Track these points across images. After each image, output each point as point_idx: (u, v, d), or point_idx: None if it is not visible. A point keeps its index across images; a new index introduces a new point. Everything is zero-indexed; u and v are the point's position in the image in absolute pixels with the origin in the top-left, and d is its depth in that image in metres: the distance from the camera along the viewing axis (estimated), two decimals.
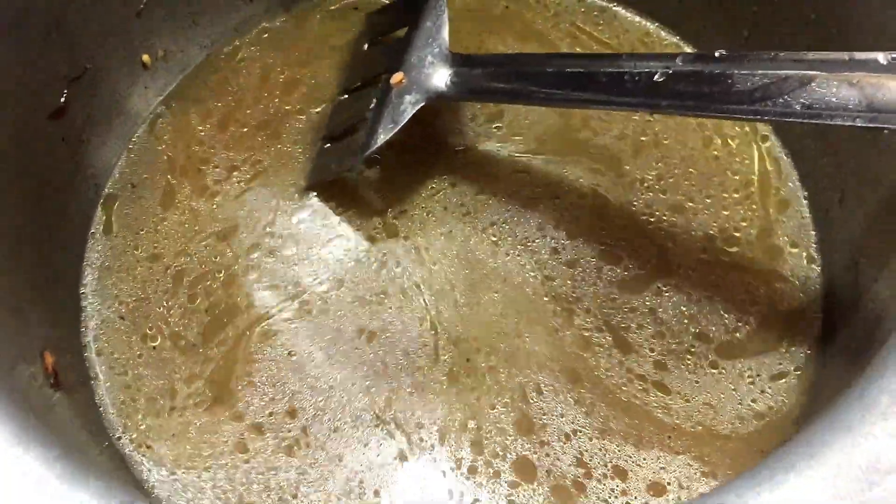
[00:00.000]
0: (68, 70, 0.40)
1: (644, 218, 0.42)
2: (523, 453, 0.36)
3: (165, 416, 0.38)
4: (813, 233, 0.41)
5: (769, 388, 0.38)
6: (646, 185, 0.42)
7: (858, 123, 0.29)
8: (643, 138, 0.43)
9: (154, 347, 0.39)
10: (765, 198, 0.42)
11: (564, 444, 0.36)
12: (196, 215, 0.42)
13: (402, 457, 0.37)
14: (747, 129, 0.44)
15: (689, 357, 0.38)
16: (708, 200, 0.42)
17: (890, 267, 0.34)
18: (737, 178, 0.43)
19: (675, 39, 0.47)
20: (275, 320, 0.40)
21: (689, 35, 0.46)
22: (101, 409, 0.38)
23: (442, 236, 0.42)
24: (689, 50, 0.46)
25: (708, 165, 0.43)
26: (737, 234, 0.41)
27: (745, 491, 0.23)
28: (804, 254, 0.41)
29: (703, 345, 0.39)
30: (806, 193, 0.42)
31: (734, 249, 0.41)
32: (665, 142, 0.43)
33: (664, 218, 0.42)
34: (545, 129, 0.44)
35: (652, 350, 0.39)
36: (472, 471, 0.36)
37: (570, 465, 0.36)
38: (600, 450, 0.36)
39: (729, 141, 0.43)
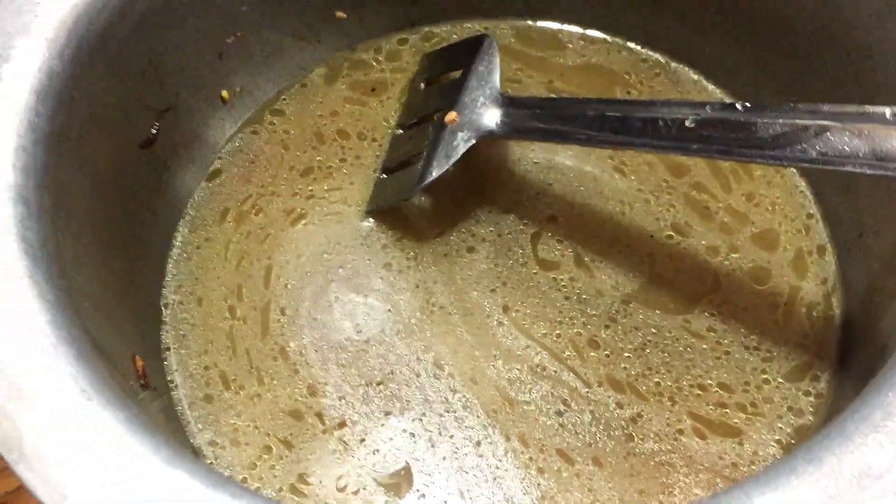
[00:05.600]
0: (158, 103, 0.44)
1: (674, 253, 0.45)
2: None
3: (236, 418, 0.42)
4: (834, 267, 0.44)
5: (792, 410, 0.41)
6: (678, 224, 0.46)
7: (867, 171, 0.32)
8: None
9: (232, 357, 0.43)
10: (792, 234, 0.46)
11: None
12: (267, 237, 0.47)
13: None
14: (773, 171, 0.47)
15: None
16: (740, 235, 0.46)
17: None
18: (767, 215, 0.46)
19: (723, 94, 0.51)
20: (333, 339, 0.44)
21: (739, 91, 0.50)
22: (178, 408, 0.42)
23: (480, 265, 0.46)
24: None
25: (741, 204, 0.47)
26: (765, 265, 0.45)
27: (751, 490, 0.26)
28: (827, 286, 0.44)
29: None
30: (829, 231, 0.45)
31: (762, 279, 0.44)
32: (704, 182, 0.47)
33: (698, 250, 0.45)
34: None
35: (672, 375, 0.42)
36: None
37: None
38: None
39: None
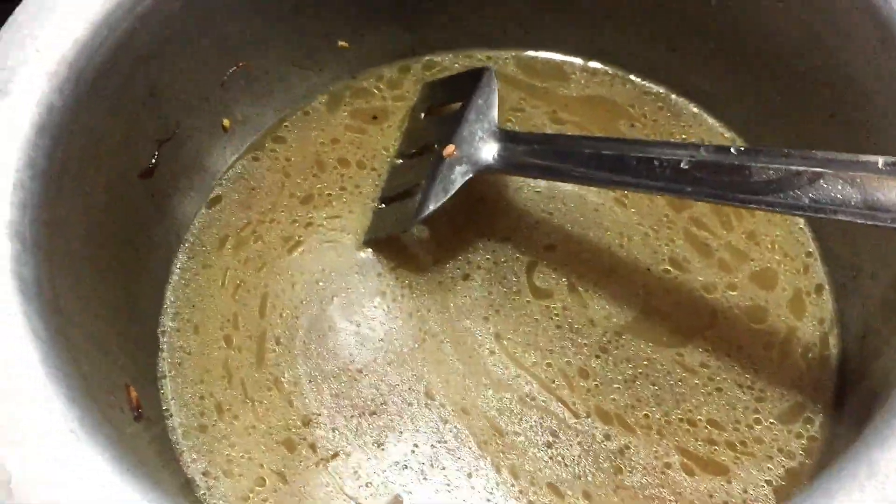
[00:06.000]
0: (159, 134, 0.45)
1: (671, 287, 0.45)
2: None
3: (230, 449, 0.42)
4: (831, 307, 0.44)
5: (783, 451, 0.41)
6: (676, 259, 0.46)
7: (858, 220, 0.32)
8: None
9: (227, 387, 0.43)
10: (791, 273, 0.46)
11: None
12: (264, 265, 0.47)
13: None
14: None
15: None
16: (738, 273, 0.46)
17: (891, 344, 0.37)
18: (767, 254, 0.46)
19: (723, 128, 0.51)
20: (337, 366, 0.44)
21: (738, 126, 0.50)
22: (172, 437, 0.42)
23: (474, 293, 0.46)
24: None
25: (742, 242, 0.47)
26: (763, 304, 0.45)
27: None
28: (823, 326, 0.44)
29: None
30: (827, 269, 0.45)
31: (759, 317, 0.44)
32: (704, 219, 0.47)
33: (695, 286, 0.45)
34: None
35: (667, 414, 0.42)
36: None
37: None
38: None
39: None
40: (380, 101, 0.52)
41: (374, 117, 0.52)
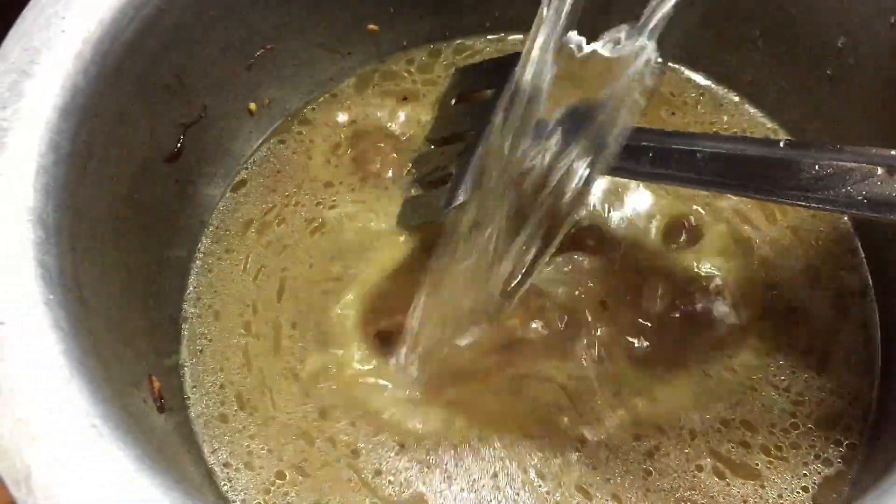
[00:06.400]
0: (185, 118, 0.44)
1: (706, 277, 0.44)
2: None
3: (250, 440, 0.41)
4: (876, 309, 0.43)
5: (819, 458, 0.39)
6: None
7: None
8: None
9: (246, 376, 0.43)
10: (835, 272, 0.44)
11: None
12: (284, 248, 0.46)
13: None
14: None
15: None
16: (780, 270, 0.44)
17: None
18: (810, 251, 0.45)
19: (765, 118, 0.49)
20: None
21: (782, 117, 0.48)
22: (194, 427, 0.41)
23: None
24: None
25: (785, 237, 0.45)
26: (804, 304, 0.43)
27: None
28: (867, 330, 0.42)
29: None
30: (871, 269, 0.44)
31: (800, 318, 0.43)
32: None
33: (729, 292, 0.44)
34: None
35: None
36: None
37: None
38: None
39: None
40: (409, 84, 0.51)
41: (404, 98, 0.50)
